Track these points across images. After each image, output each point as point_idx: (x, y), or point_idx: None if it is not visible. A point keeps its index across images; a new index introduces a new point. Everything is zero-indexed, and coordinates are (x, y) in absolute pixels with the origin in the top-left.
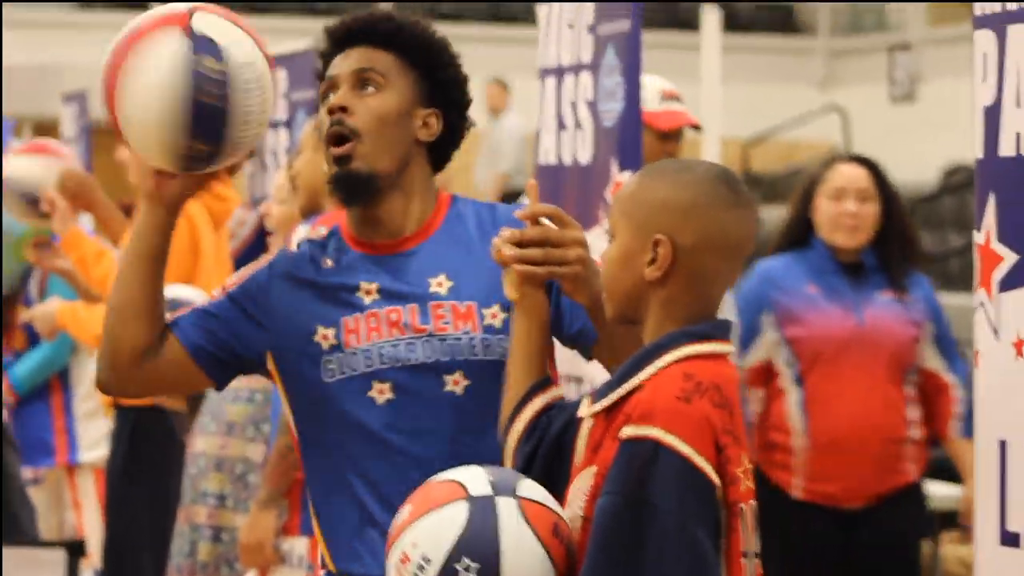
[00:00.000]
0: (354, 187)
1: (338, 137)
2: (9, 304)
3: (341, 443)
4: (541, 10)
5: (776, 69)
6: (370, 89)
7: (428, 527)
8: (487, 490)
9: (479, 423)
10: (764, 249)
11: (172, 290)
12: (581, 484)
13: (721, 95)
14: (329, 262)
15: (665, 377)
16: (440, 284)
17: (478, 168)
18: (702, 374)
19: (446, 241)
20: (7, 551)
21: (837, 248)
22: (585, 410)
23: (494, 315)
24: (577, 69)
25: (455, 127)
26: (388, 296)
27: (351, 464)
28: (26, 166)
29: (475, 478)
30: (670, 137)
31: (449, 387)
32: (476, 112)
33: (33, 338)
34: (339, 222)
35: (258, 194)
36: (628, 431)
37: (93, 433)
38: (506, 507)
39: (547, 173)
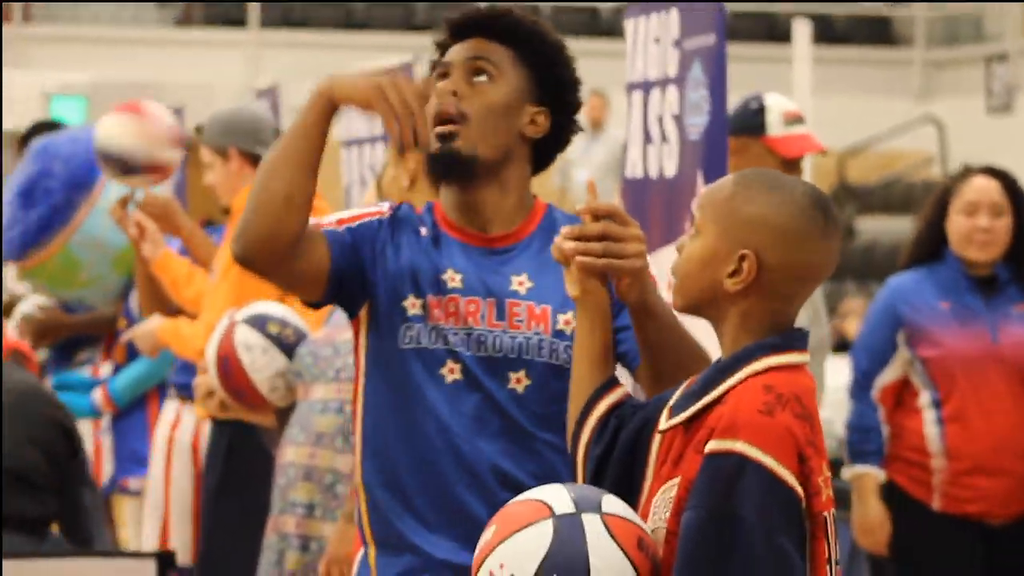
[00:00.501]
0: (452, 166)
1: (445, 117)
2: (112, 320)
3: (402, 409)
4: (628, 25)
5: (872, 80)
6: (483, 78)
7: (514, 547)
8: (571, 507)
9: (534, 423)
10: (858, 259)
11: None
12: (663, 497)
13: (812, 107)
14: (424, 231)
15: (746, 390)
16: (521, 283)
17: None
18: (782, 386)
19: (536, 247)
20: (95, 562)
21: (970, 263)
22: (664, 423)
23: (567, 321)
24: (664, 83)
25: (562, 128)
26: (471, 287)
27: (404, 437)
28: (117, 130)
29: (558, 496)
30: (794, 164)
31: (512, 384)
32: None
33: (134, 353)
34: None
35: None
36: (712, 445)
37: None
38: (591, 523)
39: (633, 186)
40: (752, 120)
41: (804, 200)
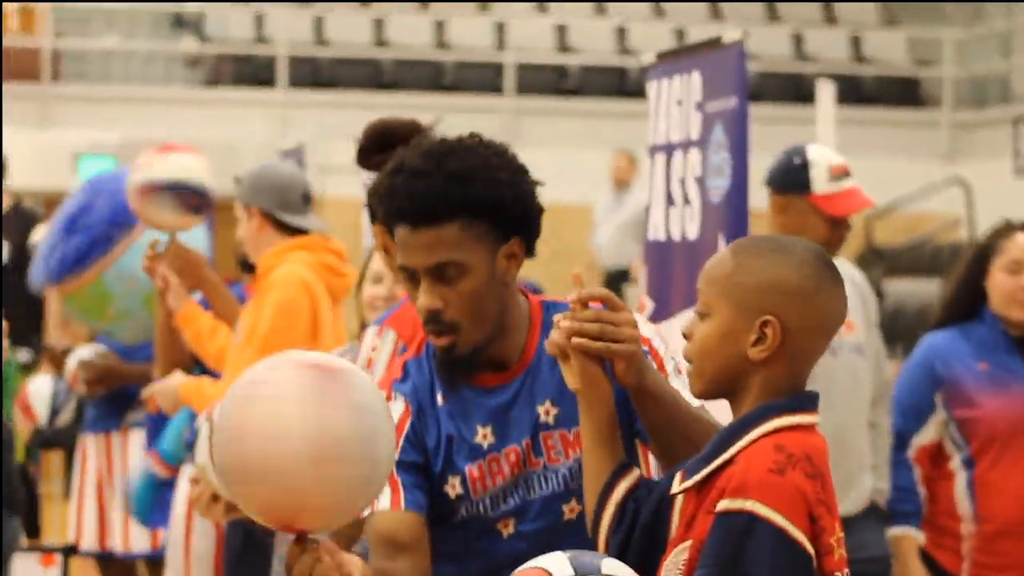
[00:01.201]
0: (463, 367)
1: (436, 331)
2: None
3: (463, 560)
4: (651, 87)
5: (900, 141)
6: (453, 277)
7: None
8: (570, 571)
9: (590, 547)
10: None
11: None
12: (675, 559)
13: (865, 169)
14: (441, 399)
15: (757, 450)
16: (547, 412)
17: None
18: (793, 446)
19: (547, 360)
20: None
21: (1011, 323)
22: (676, 486)
23: None
24: (686, 146)
25: (535, 225)
26: (503, 436)
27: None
28: (194, 164)
29: (557, 562)
30: (842, 222)
31: (567, 516)
32: (602, 183)
33: None
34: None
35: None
36: (723, 504)
37: None
38: None
39: (656, 248)
40: (796, 176)
41: (808, 256)
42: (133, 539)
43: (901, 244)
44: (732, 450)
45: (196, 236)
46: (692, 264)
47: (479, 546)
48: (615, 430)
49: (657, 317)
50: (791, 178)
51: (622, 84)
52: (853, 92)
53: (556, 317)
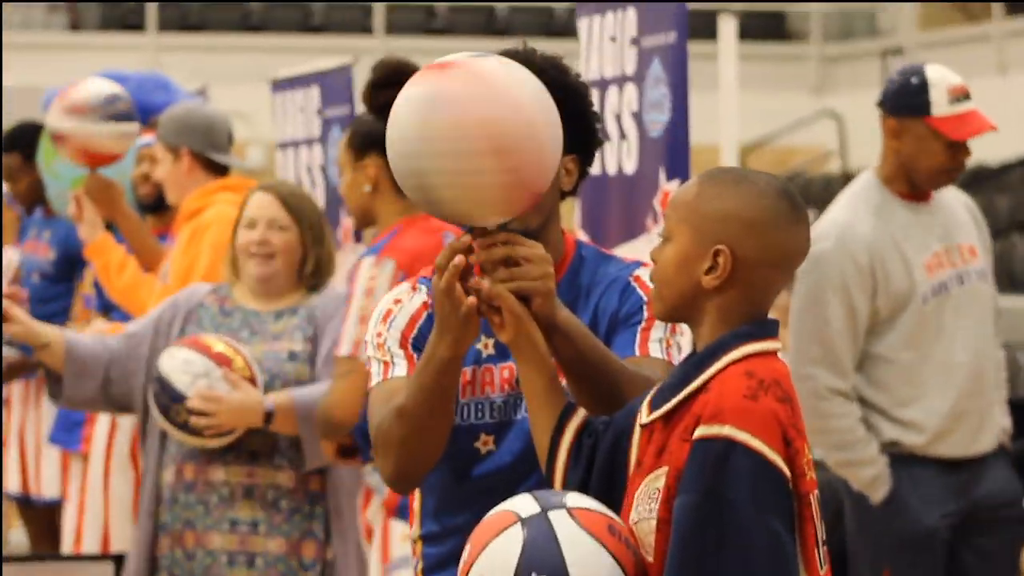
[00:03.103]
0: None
1: None
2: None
3: (440, 477)
4: (582, 24)
5: (769, 76)
6: None
7: (489, 557)
8: (536, 508)
9: None
10: None
11: None
12: (648, 488)
13: (738, 104)
14: None
15: (728, 377)
16: None
17: None
18: (762, 371)
19: (564, 292)
20: (54, 565)
21: None
22: (645, 417)
23: None
24: (621, 81)
25: (587, 165)
26: (503, 351)
27: (441, 502)
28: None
29: (523, 502)
30: (962, 147)
31: None
32: None
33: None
34: None
35: None
36: (701, 431)
37: None
38: (559, 519)
39: (591, 184)
40: (914, 98)
41: (769, 190)
42: (45, 484)
43: None
44: (702, 378)
45: (116, 169)
46: (631, 198)
47: (459, 455)
48: (554, 374)
49: None
50: (908, 100)
51: (549, 24)
52: (712, 27)
53: (473, 280)
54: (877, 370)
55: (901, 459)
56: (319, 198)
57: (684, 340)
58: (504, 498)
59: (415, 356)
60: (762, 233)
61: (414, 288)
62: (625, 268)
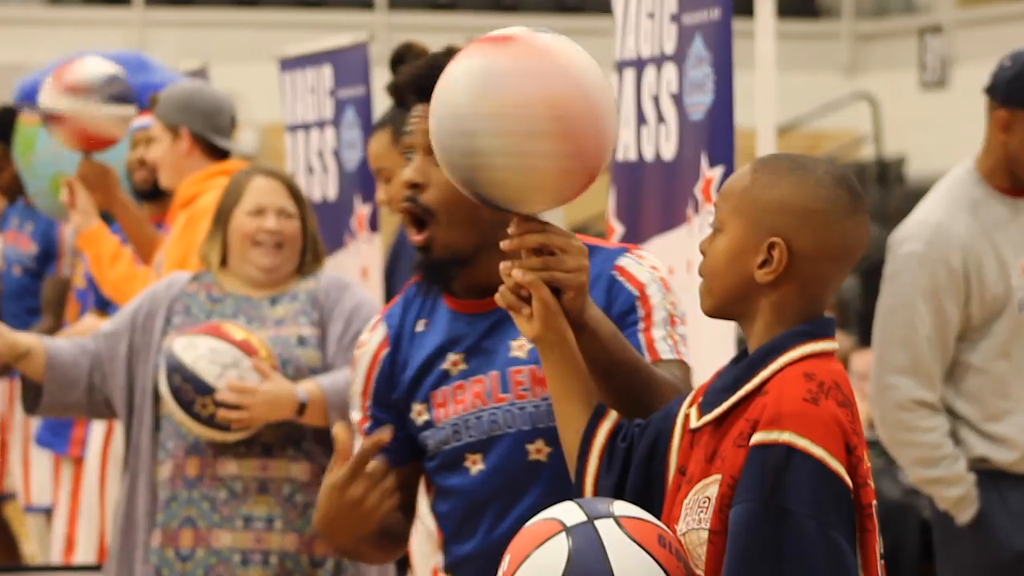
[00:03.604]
0: (437, 274)
1: (413, 218)
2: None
3: (442, 506)
4: (617, 1)
5: (798, 56)
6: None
7: (532, 568)
8: (582, 517)
9: (567, 488)
10: None
11: None
12: (697, 497)
13: (776, 83)
14: (422, 325)
15: (787, 379)
16: (521, 347)
17: None
18: (822, 373)
19: None
20: None
21: None
22: (694, 421)
23: None
24: (659, 60)
25: None
26: (473, 365)
27: (449, 531)
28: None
29: (568, 510)
30: None
31: (533, 455)
32: None
33: None
34: None
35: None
36: (758, 436)
37: None
38: (606, 528)
39: (625, 170)
40: None
41: (827, 178)
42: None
43: None
44: (758, 379)
45: (111, 155)
46: (669, 186)
47: (452, 482)
48: (584, 373)
49: (627, 242)
50: (1021, 90)
51: (562, 0)
52: (747, 4)
53: (503, 265)
54: (967, 381)
55: (990, 477)
56: (332, 183)
57: (687, 330)
58: (506, 516)
59: (372, 419)
60: (820, 225)
61: (376, 325)
62: (606, 260)
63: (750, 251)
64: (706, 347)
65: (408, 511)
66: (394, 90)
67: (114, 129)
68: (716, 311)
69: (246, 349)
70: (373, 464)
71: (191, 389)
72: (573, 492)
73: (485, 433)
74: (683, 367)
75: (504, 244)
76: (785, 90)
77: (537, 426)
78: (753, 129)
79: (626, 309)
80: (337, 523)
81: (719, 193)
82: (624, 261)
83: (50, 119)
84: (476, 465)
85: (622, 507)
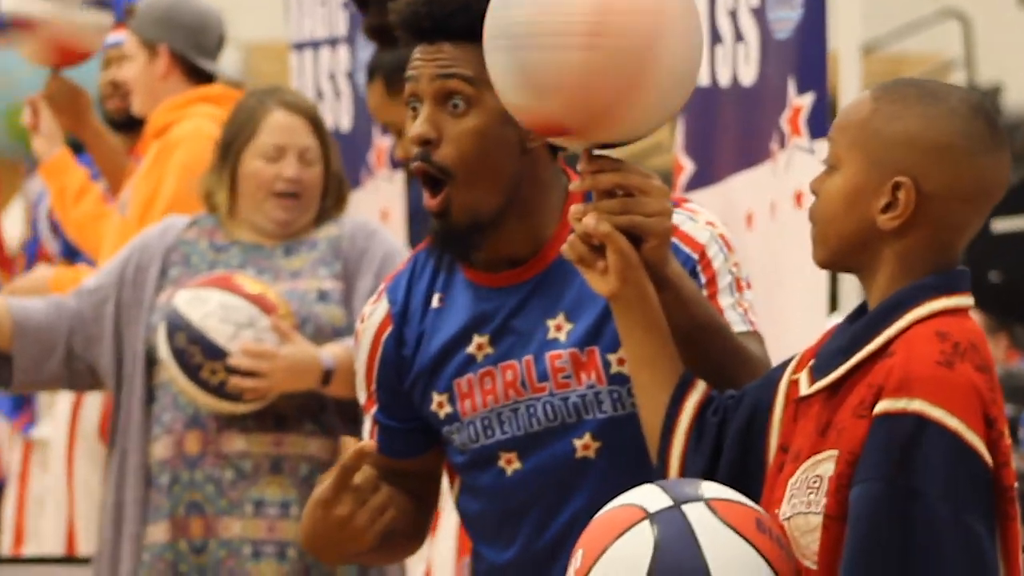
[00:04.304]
0: (457, 244)
1: (426, 179)
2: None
3: (473, 510)
4: None
5: None
6: (459, 106)
7: (611, 563)
8: (667, 502)
9: (620, 487)
10: None
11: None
12: (806, 476)
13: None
14: (437, 300)
15: (916, 338)
16: (559, 327)
17: None
18: (956, 333)
19: (568, 265)
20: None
21: None
22: (805, 387)
23: (621, 360)
24: None
25: None
26: (502, 349)
27: (483, 537)
28: None
29: (649, 495)
30: None
31: (580, 452)
32: None
33: None
34: None
35: None
36: (884, 405)
37: None
38: (696, 513)
39: (697, 96)
40: None
41: (962, 108)
42: None
43: None
44: (881, 339)
45: (83, 73)
46: (747, 116)
47: (484, 482)
48: (667, 337)
49: (699, 182)
50: None
51: None
52: None
53: (573, 209)
54: None
55: None
56: (345, 111)
57: (753, 295)
58: (551, 521)
59: (378, 403)
60: (954, 161)
61: (378, 298)
62: None
63: (871, 192)
64: (797, 304)
65: (425, 502)
66: (379, 32)
67: (90, 40)
68: (831, 262)
69: (263, 305)
70: (362, 476)
71: (199, 352)
72: (654, 476)
73: (522, 429)
74: (758, 338)
75: (574, 185)
76: (865, 6)
77: (584, 418)
78: (833, 51)
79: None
80: (322, 543)
81: (834, 125)
82: (675, 218)
83: (16, 26)
84: (512, 464)
85: (712, 489)
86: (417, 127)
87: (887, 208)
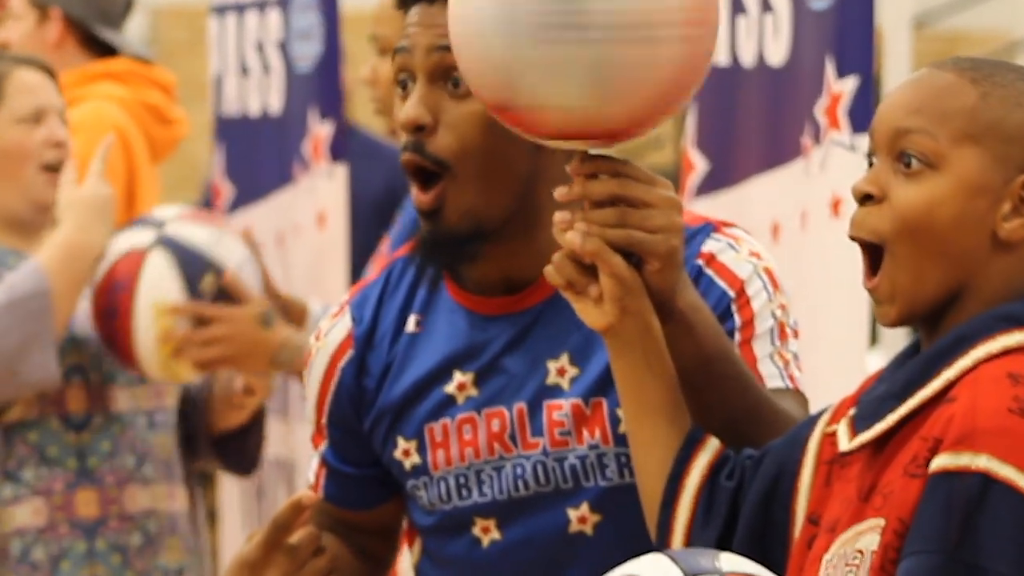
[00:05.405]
0: (448, 254)
1: (417, 173)
2: None
3: (434, 567)
4: None
5: None
6: (460, 84)
7: None
8: (678, 575)
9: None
10: None
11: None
12: (845, 551)
13: None
14: (414, 323)
15: (983, 380)
16: (562, 371)
17: None
18: None
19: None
20: None
21: None
22: (846, 443)
23: None
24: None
25: None
26: (489, 392)
27: None
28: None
29: (656, 566)
30: None
31: (575, 526)
32: None
33: None
34: None
35: None
36: (942, 460)
37: None
38: None
39: (713, 78)
40: None
41: None
42: None
43: None
44: (939, 381)
45: None
46: (773, 104)
47: (453, 551)
48: (672, 380)
49: (712, 185)
50: None
51: None
52: None
53: (558, 216)
54: None
55: None
56: (276, 89)
57: (797, 346)
58: None
59: (328, 439)
60: None
61: (339, 312)
62: (689, 243)
63: (993, 196)
64: (833, 338)
65: (379, 563)
66: None
67: None
68: (918, 313)
69: None
70: (300, 536)
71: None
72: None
73: (505, 492)
74: (797, 399)
75: (559, 192)
76: None
77: (583, 484)
78: (879, 26)
79: (717, 315)
80: None
81: (924, 109)
82: (713, 245)
83: None
84: (489, 534)
85: (732, 561)
86: (408, 109)
87: (1012, 214)
